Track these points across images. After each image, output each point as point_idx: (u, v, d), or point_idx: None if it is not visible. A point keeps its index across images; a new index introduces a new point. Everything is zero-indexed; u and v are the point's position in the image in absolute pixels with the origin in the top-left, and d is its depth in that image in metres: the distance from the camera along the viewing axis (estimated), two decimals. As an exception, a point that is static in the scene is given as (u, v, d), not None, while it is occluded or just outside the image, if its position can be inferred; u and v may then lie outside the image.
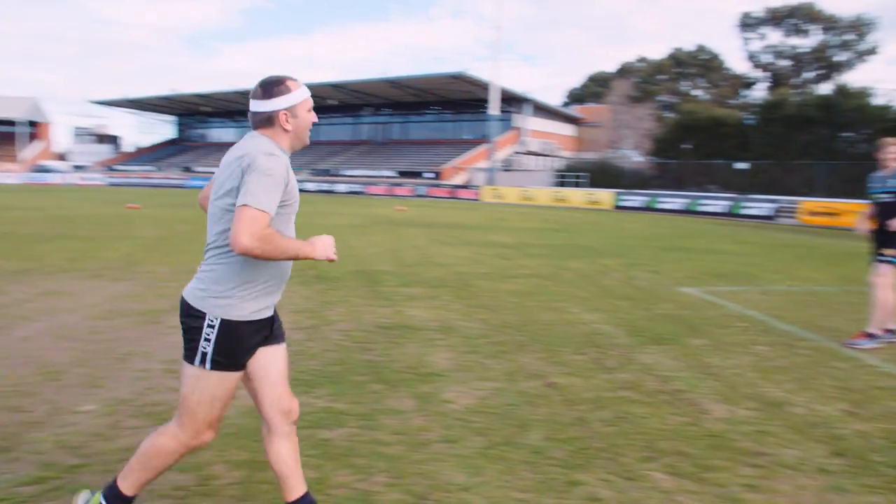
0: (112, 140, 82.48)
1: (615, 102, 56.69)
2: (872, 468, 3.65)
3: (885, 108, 36.75)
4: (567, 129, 66.58)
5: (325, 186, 50.98)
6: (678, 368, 5.42)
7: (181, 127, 79.60)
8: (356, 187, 49.44)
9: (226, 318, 2.41)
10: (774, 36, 56.72)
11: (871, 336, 6.42)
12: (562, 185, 44.07)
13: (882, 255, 6.45)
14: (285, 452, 2.67)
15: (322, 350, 5.59)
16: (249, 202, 2.24)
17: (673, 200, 34.23)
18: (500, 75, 44.03)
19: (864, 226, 6.70)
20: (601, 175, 43.82)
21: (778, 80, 55.40)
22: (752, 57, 58.53)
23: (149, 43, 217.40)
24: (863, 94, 37.79)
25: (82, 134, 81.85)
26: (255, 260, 2.41)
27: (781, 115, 39.49)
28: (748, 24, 57.45)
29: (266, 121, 2.49)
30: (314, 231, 16.64)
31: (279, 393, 2.66)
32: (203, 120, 76.43)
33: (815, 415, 4.45)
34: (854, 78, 58.27)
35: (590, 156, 53.43)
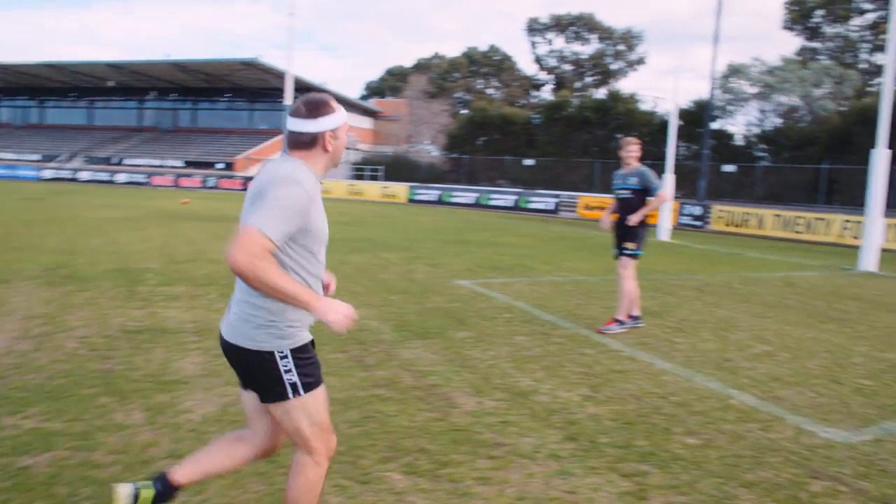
0: None
1: (412, 97, 57.67)
2: (599, 450, 3.86)
3: (650, 114, 41.14)
4: (365, 122, 66.63)
5: (103, 176, 46.59)
6: (437, 363, 5.46)
7: None
8: (139, 177, 45.87)
9: (293, 346, 2.39)
10: (559, 42, 60.79)
11: (619, 322, 6.94)
12: (358, 178, 44.05)
13: (625, 248, 6.98)
14: (238, 457, 2.64)
15: (50, 361, 4.96)
16: (255, 223, 2.16)
17: (465, 195, 35.37)
18: (296, 64, 43.18)
19: (608, 220, 7.22)
20: (397, 169, 44.41)
21: (562, 83, 59.40)
22: (539, 60, 62.23)
23: None
24: (631, 99, 41.88)
25: None
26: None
27: (563, 116, 42.70)
28: (535, 28, 60.95)
29: (309, 142, 2.41)
30: (78, 225, 14.86)
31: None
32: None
33: (556, 401, 4.66)
34: (625, 85, 64.50)
35: (387, 149, 53.93)
